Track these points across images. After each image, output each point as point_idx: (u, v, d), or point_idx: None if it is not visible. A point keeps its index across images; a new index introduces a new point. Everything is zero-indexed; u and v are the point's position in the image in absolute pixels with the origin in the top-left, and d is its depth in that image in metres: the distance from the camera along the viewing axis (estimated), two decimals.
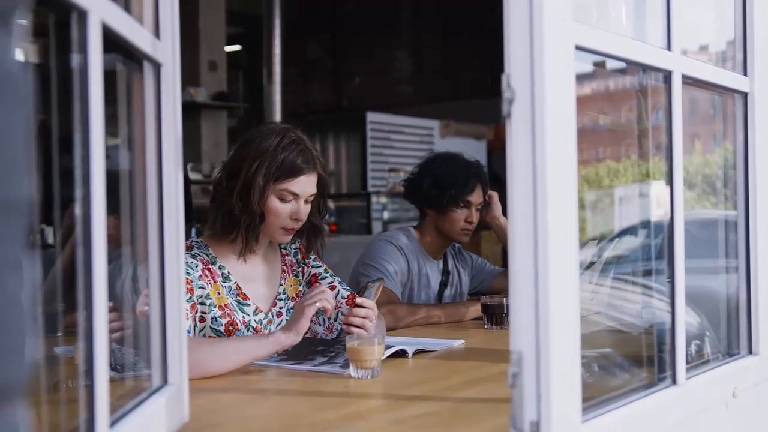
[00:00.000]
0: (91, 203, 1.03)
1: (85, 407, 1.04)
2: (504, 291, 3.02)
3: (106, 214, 1.06)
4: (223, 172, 2.28)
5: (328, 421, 1.58)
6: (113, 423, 1.12)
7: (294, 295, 2.41)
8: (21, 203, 0.62)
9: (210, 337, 2.20)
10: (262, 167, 2.20)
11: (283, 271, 2.42)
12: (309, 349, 2.16)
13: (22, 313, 0.62)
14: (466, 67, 9.32)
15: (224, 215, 2.25)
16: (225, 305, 2.23)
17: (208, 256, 2.26)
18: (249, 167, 2.20)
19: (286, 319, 2.33)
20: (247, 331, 2.25)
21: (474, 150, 7.18)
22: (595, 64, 1.52)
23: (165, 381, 1.41)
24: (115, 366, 1.37)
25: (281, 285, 2.39)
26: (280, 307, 2.37)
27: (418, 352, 2.24)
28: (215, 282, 2.23)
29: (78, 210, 1.04)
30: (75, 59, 1.04)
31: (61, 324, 1.49)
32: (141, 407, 1.27)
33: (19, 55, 0.63)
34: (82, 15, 1.02)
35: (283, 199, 2.23)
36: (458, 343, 2.41)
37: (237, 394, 1.86)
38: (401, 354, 2.17)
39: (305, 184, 2.25)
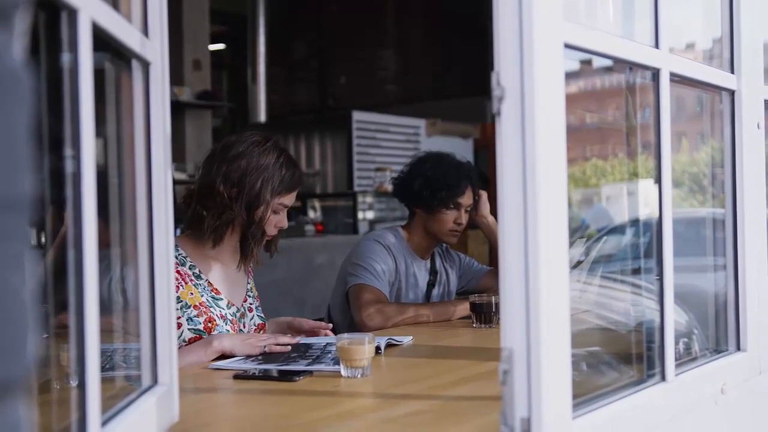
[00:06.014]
0: (82, 204, 1.03)
1: (77, 407, 1.03)
2: (492, 290, 3.03)
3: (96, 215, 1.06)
4: (218, 179, 2.31)
5: (320, 420, 1.58)
6: (104, 423, 1.12)
7: (256, 296, 2.56)
8: (23, 200, 0.62)
9: (190, 339, 2.26)
10: (267, 184, 2.32)
11: (249, 272, 2.54)
12: (286, 354, 2.16)
13: (24, 310, 0.62)
14: (452, 66, 9.34)
15: (225, 225, 2.33)
16: (200, 303, 2.31)
17: (177, 257, 2.31)
18: (253, 182, 2.31)
19: (258, 315, 2.50)
20: (225, 324, 2.34)
21: (460, 149, 7.19)
22: (582, 62, 1.52)
23: (155, 381, 1.41)
24: (104, 366, 1.37)
25: (249, 283, 2.53)
26: (250, 303, 2.50)
27: (389, 345, 2.30)
28: (186, 283, 2.31)
29: (68, 211, 1.03)
30: (64, 58, 1.04)
31: (49, 325, 1.48)
32: (131, 407, 1.27)
33: (20, 54, 0.62)
34: (72, 13, 1.01)
35: (275, 212, 2.37)
36: (407, 340, 2.44)
37: (227, 394, 1.85)
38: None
39: (294, 197, 2.43)
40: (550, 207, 1.22)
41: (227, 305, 2.38)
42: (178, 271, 2.28)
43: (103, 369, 1.12)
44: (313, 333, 2.47)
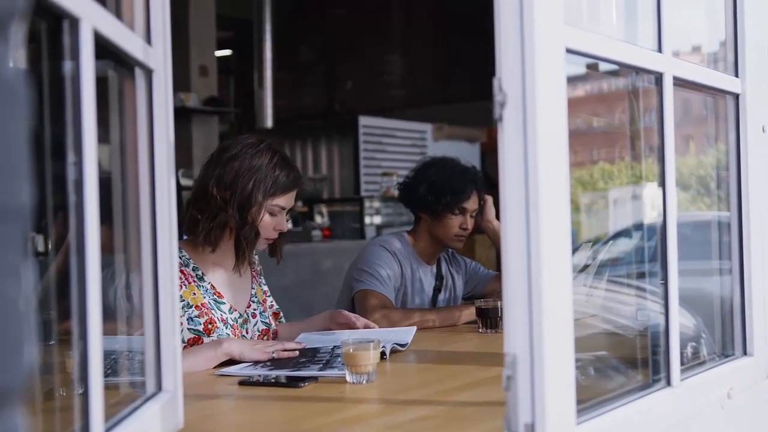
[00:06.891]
0: (85, 211, 1.03)
1: (80, 414, 1.03)
2: (498, 294, 3.02)
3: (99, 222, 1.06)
4: (212, 181, 2.32)
5: (325, 426, 1.58)
6: (108, 430, 1.12)
7: (261, 300, 2.54)
8: (20, 210, 0.62)
9: (189, 340, 2.27)
10: (259, 185, 2.32)
11: (253, 277, 2.54)
12: (295, 360, 2.16)
13: (21, 319, 0.62)
14: (458, 70, 9.33)
15: (219, 227, 2.33)
16: (202, 304, 2.32)
17: (181, 258, 2.32)
18: (245, 184, 2.31)
19: (261, 321, 2.49)
20: (226, 328, 2.34)
21: (467, 153, 7.19)
22: (588, 66, 1.52)
23: (159, 388, 1.41)
24: (107, 371, 1.37)
25: (253, 289, 2.52)
26: (254, 309, 2.49)
27: (394, 351, 2.30)
28: (189, 283, 2.32)
29: (71, 217, 1.04)
30: (67, 66, 1.04)
31: (54, 332, 1.49)
32: (135, 414, 1.27)
33: (17, 63, 0.63)
34: (74, 22, 1.02)
35: (271, 213, 2.37)
36: (411, 333, 2.48)
37: (232, 401, 1.85)
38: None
39: (292, 199, 2.41)
40: (552, 212, 1.22)
41: (229, 310, 2.38)
42: (181, 271, 2.29)
43: (106, 375, 1.12)
44: (347, 325, 2.54)
